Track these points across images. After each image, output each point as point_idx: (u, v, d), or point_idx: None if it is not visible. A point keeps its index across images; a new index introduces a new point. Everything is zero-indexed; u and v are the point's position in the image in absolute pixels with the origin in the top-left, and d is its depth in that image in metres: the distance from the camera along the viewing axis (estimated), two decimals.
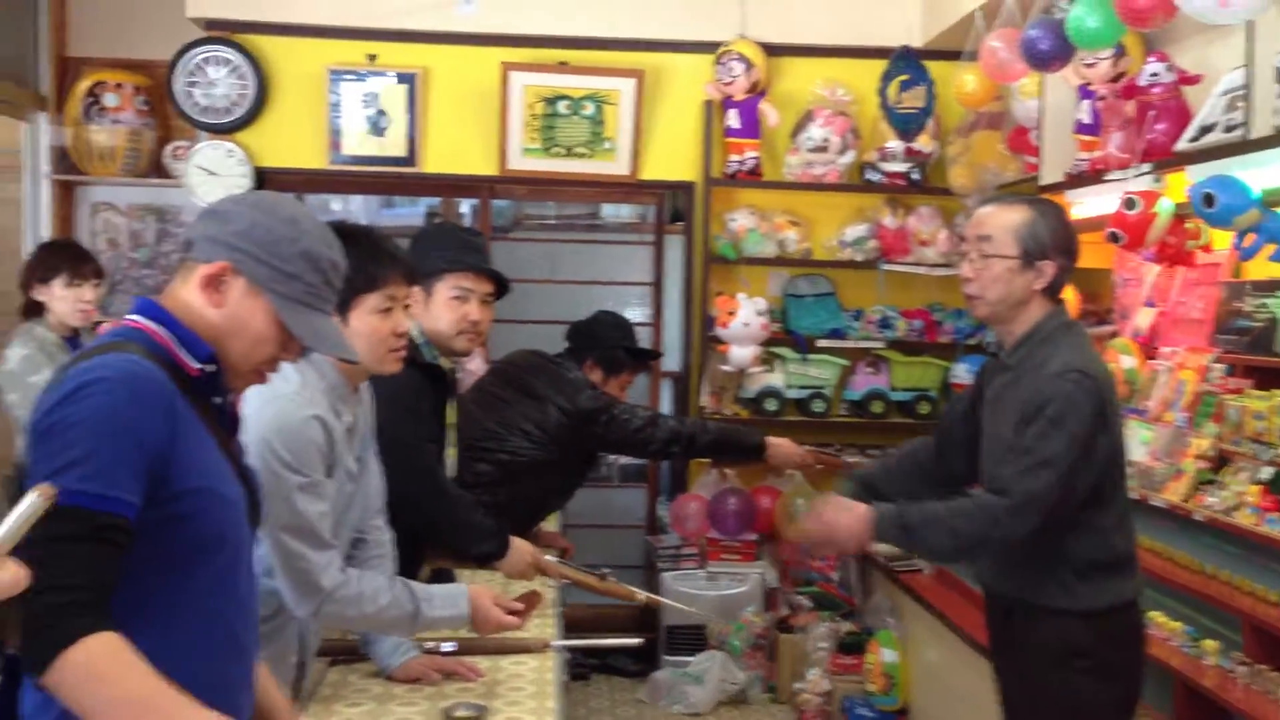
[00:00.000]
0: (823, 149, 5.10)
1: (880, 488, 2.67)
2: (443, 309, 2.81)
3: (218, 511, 1.53)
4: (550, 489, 3.48)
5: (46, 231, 5.21)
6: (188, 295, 1.58)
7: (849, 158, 5.13)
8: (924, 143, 5.07)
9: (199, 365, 1.55)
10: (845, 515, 2.45)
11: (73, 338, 3.74)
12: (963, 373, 4.93)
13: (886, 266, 5.13)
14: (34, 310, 3.69)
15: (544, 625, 2.77)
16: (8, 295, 4.08)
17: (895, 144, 5.05)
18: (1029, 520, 2.30)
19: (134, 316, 1.57)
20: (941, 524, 2.35)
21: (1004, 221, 2.44)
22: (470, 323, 2.82)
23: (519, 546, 2.83)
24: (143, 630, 1.40)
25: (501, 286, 2.92)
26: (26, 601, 1.32)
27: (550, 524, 3.78)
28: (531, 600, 2.43)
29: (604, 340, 3.61)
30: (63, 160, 5.31)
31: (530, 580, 2.85)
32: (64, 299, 3.65)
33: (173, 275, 1.63)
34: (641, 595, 2.91)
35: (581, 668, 5.03)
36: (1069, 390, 2.31)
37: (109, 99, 5.26)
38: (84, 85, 5.23)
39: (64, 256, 3.70)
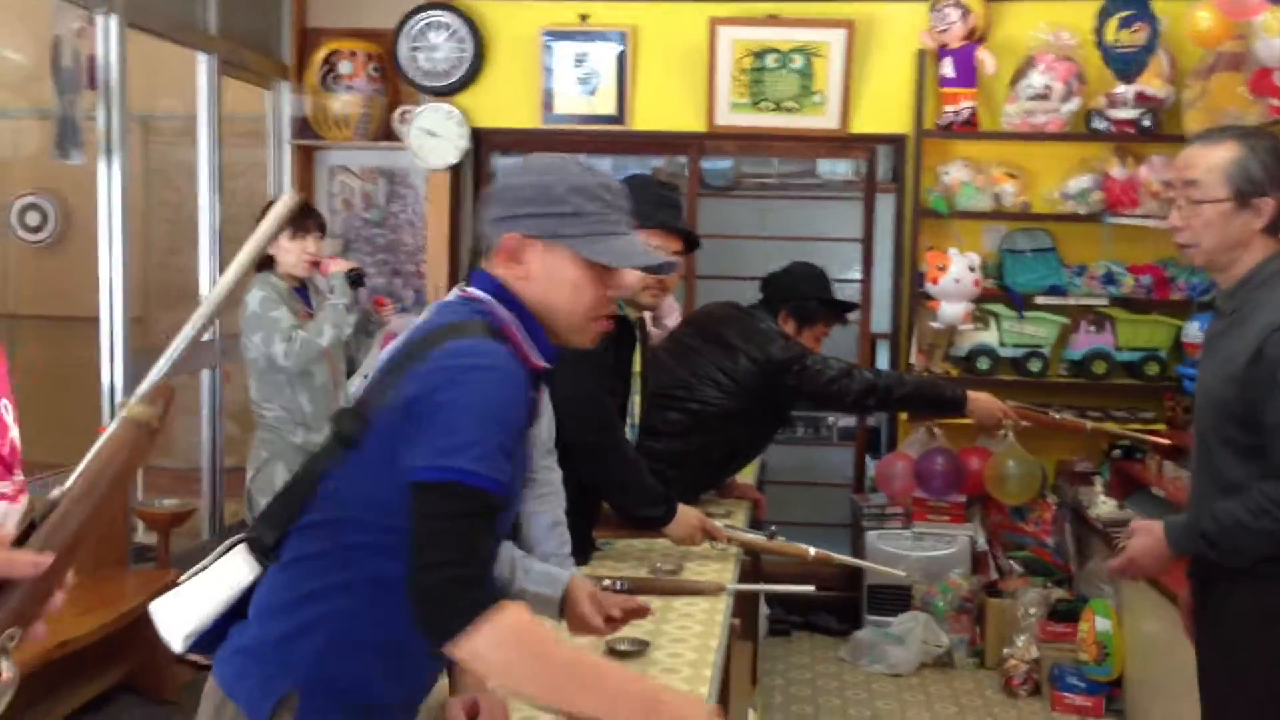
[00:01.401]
0: (1044, 96, 4.86)
1: None
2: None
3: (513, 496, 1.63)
4: (740, 440, 3.48)
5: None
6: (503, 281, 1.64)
7: (1073, 105, 4.87)
8: (1156, 87, 4.76)
9: (543, 363, 1.62)
10: (1141, 539, 2.38)
11: (300, 287, 4.00)
12: (1195, 332, 4.63)
13: (1112, 219, 4.86)
14: (265, 263, 3.96)
15: (722, 570, 2.79)
16: None
17: (1125, 89, 4.76)
18: None
19: (484, 296, 1.62)
20: (1245, 530, 2.18)
21: (1211, 162, 2.26)
22: (656, 280, 2.84)
23: (685, 512, 2.82)
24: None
25: (690, 243, 2.92)
26: (422, 572, 1.41)
27: (747, 475, 3.79)
28: (638, 612, 2.41)
29: (798, 291, 3.57)
30: (303, 126, 5.65)
31: (697, 545, 2.85)
32: (289, 251, 3.90)
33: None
34: (812, 552, 2.88)
35: (784, 624, 5.03)
36: None
37: (343, 67, 5.54)
38: (321, 54, 5.54)
39: None
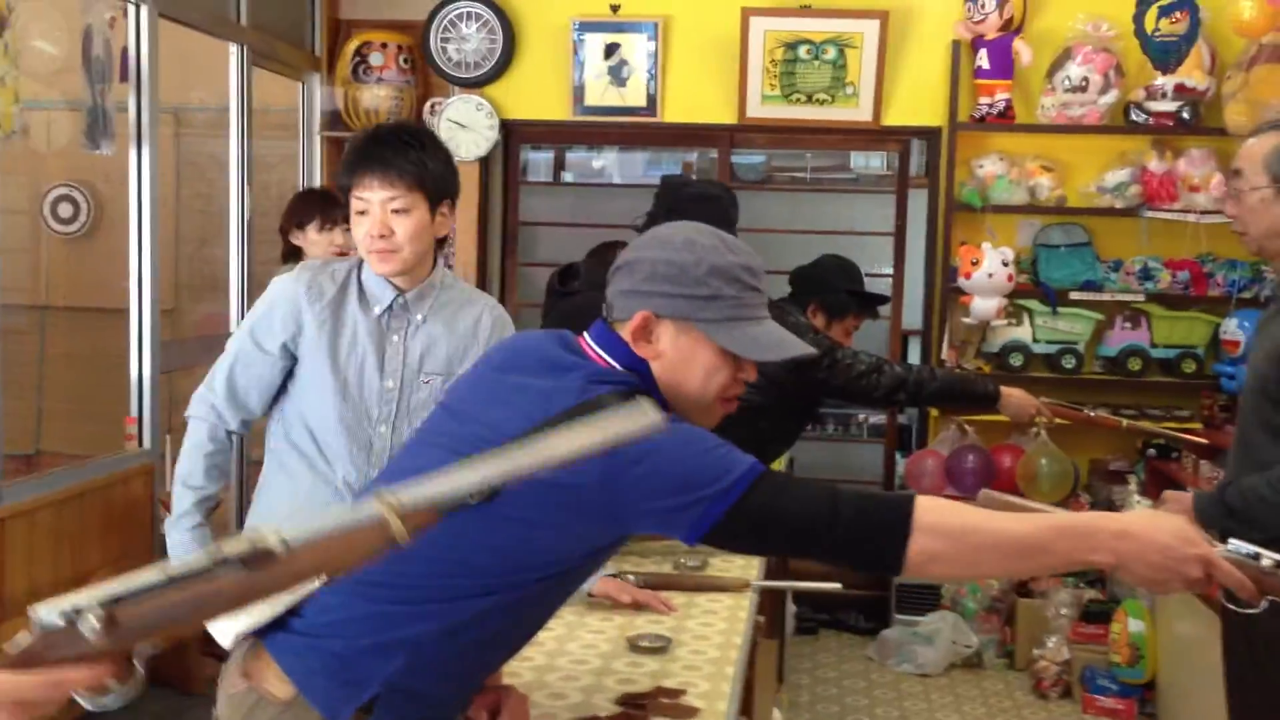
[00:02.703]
0: (1082, 88, 4.78)
1: None
2: None
3: None
4: (768, 435, 3.43)
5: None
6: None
7: (1111, 97, 4.79)
8: (1197, 79, 4.67)
9: None
10: (1170, 506, 2.45)
11: None
12: (1234, 329, 4.55)
13: (1150, 214, 4.78)
14: (293, 255, 3.94)
15: (748, 566, 2.75)
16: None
17: (1164, 81, 4.68)
18: None
19: (616, 366, 1.57)
20: (1264, 503, 2.25)
21: (1253, 152, 2.40)
22: None
23: None
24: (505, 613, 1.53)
25: None
26: (828, 539, 1.42)
27: (775, 466, 3.75)
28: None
29: (827, 284, 3.53)
30: (333, 118, 5.64)
31: None
32: (317, 243, 3.88)
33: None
34: None
35: (810, 623, 4.99)
36: None
37: (374, 58, 5.52)
38: (352, 46, 5.53)
39: (315, 203, 3.93)
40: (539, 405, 1.50)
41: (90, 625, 0.89)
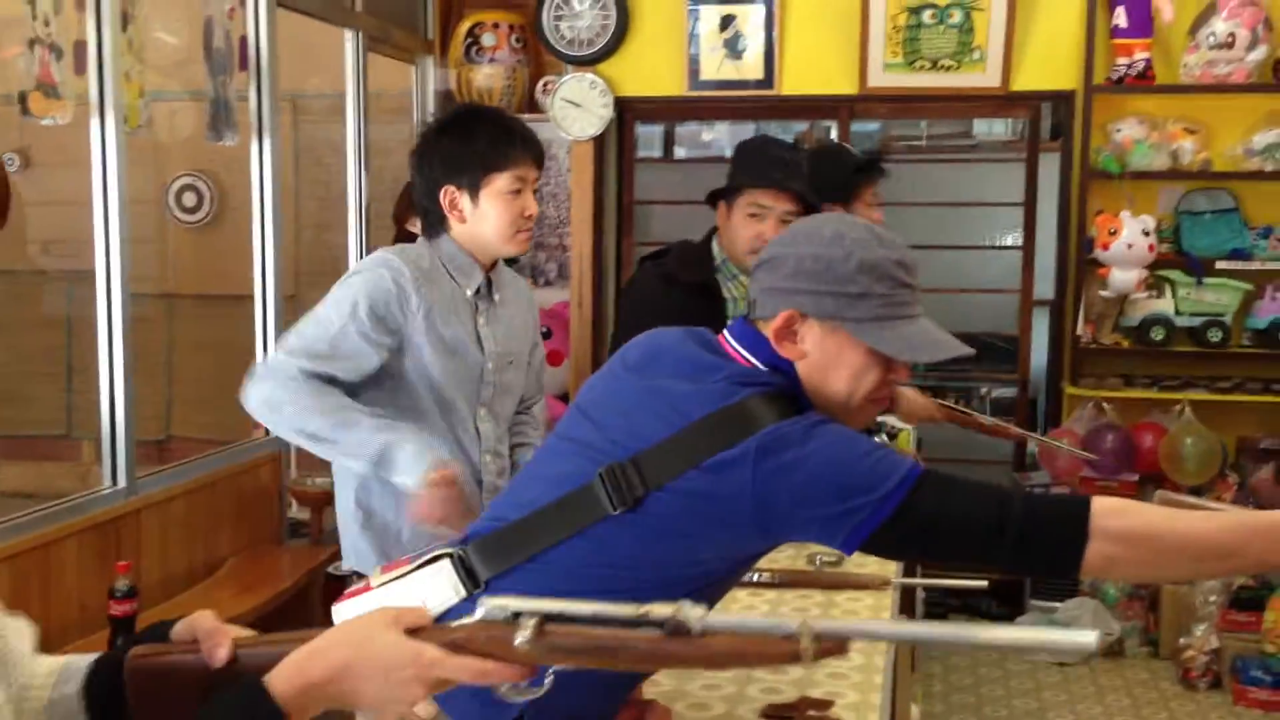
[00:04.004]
0: (1228, 45, 4.52)
1: None
2: (740, 226, 2.74)
3: None
4: None
5: None
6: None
7: (1260, 54, 4.52)
8: None
9: None
10: None
11: None
12: None
13: None
14: (406, 241, 3.92)
15: (885, 561, 2.64)
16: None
17: None
18: None
19: (761, 367, 1.50)
20: None
21: None
22: (764, 242, 2.71)
23: None
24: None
25: (806, 205, 2.77)
26: (998, 544, 1.36)
27: (903, 446, 3.62)
28: None
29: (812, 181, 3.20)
30: (447, 100, 5.62)
31: None
32: None
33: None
34: None
35: (940, 608, 4.85)
36: None
37: (486, 39, 5.49)
38: (464, 27, 5.50)
39: None
40: (679, 409, 1.44)
41: (525, 632, 0.97)
